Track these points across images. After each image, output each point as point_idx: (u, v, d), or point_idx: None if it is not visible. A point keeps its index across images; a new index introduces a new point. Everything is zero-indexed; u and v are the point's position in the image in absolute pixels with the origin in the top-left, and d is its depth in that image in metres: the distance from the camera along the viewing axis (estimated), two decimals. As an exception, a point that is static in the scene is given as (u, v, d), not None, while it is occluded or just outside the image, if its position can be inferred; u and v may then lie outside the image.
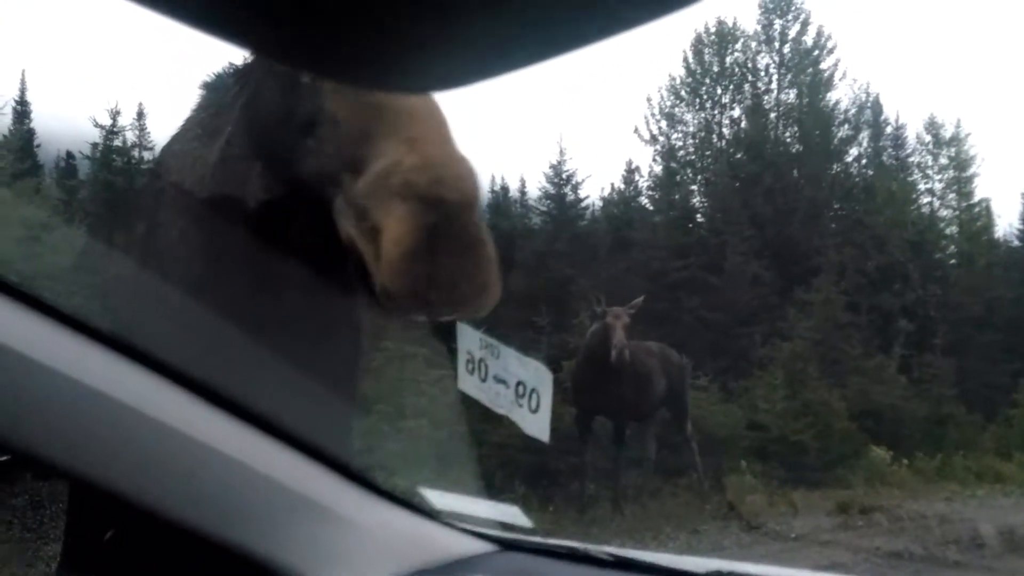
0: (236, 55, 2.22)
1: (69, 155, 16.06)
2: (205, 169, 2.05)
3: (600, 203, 23.83)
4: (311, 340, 2.05)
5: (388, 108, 1.64)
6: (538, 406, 1.65)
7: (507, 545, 1.67)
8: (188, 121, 2.29)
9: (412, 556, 1.56)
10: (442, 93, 1.58)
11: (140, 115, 15.11)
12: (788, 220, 24.45)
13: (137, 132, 14.91)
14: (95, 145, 14.44)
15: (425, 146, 1.58)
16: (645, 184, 25.91)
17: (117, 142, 14.44)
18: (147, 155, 14.36)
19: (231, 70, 2.18)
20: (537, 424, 1.63)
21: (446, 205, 1.55)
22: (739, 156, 26.70)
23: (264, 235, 1.97)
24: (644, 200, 25.32)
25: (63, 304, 1.28)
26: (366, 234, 1.60)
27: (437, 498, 1.67)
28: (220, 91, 2.17)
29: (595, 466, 11.78)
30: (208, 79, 2.24)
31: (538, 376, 1.62)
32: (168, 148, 2.31)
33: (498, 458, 10.50)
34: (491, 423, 9.86)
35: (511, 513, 1.82)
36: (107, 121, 14.40)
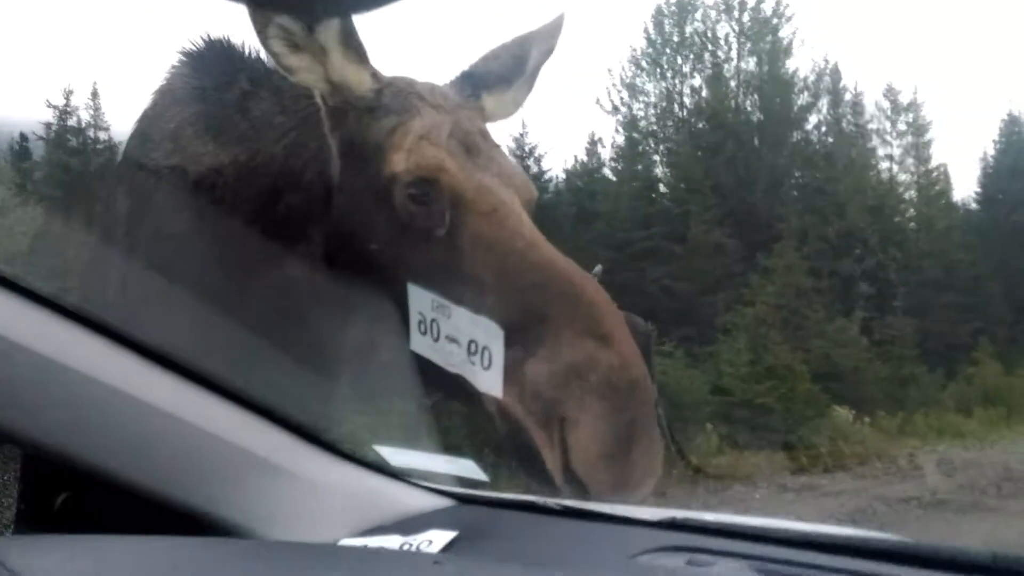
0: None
1: (23, 137, 15.79)
2: (226, 168, 2.02)
3: (563, 175, 23.89)
4: (296, 320, 2.07)
5: (559, 292, 1.71)
6: (490, 363, 1.67)
7: (464, 499, 1.69)
8: (174, 102, 2.20)
9: (368, 513, 1.58)
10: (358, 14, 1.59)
11: (94, 95, 14.91)
12: (750, 188, 24.63)
13: (92, 112, 14.70)
14: (48, 125, 14.24)
15: (620, 345, 1.66)
16: (608, 156, 26.00)
17: (71, 122, 14.26)
18: (102, 135, 14.19)
19: (257, 74, 2.11)
20: (490, 380, 1.65)
21: (642, 407, 1.65)
22: (701, 125, 26.80)
23: (282, 241, 1.99)
24: (607, 171, 25.41)
25: (13, 276, 1.28)
26: (547, 421, 1.66)
27: (393, 455, 1.69)
28: (231, 89, 2.11)
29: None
30: (202, 59, 2.19)
31: (489, 333, 1.64)
32: (152, 127, 2.22)
33: (467, 428, 10.55)
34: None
35: (466, 467, 1.84)
36: (60, 101, 14.21)
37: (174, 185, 2.09)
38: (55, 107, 14.16)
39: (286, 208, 1.98)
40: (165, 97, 2.23)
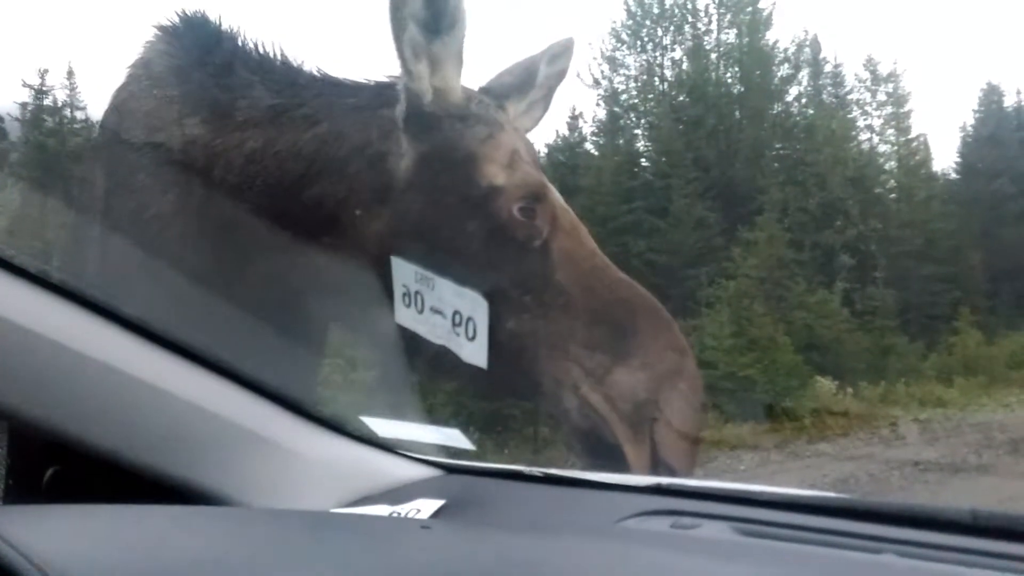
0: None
1: (-2, 117, 15.60)
2: (233, 152, 2.05)
3: (545, 150, 23.84)
4: (291, 300, 2.11)
5: (644, 308, 1.99)
6: (475, 334, 1.70)
7: (451, 469, 1.71)
8: (156, 82, 2.20)
9: (356, 484, 1.59)
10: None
11: (70, 74, 14.75)
12: (731, 161, 24.66)
13: (68, 91, 14.54)
14: (24, 105, 14.07)
15: (692, 358, 1.97)
16: (589, 130, 25.96)
17: (47, 101, 14.10)
18: (79, 115, 14.05)
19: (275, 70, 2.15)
20: (475, 351, 1.67)
21: (704, 403, 2.01)
22: (681, 98, 26.74)
23: (294, 226, 2.03)
24: (589, 146, 25.38)
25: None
26: (636, 419, 1.89)
27: (380, 426, 1.70)
28: (229, 75, 2.12)
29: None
30: (182, 39, 2.20)
31: (473, 305, 1.66)
32: (146, 109, 2.21)
33: (453, 406, 10.58)
34: (443, 371, 9.84)
35: (452, 436, 1.86)
36: (36, 81, 14.05)
37: (168, 165, 2.09)
38: (30, 87, 13.99)
39: (310, 196, 2.01)
40: (143, 77, 2.22)
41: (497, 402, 11.53)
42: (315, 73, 2.13)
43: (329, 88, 2.08)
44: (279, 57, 2.15)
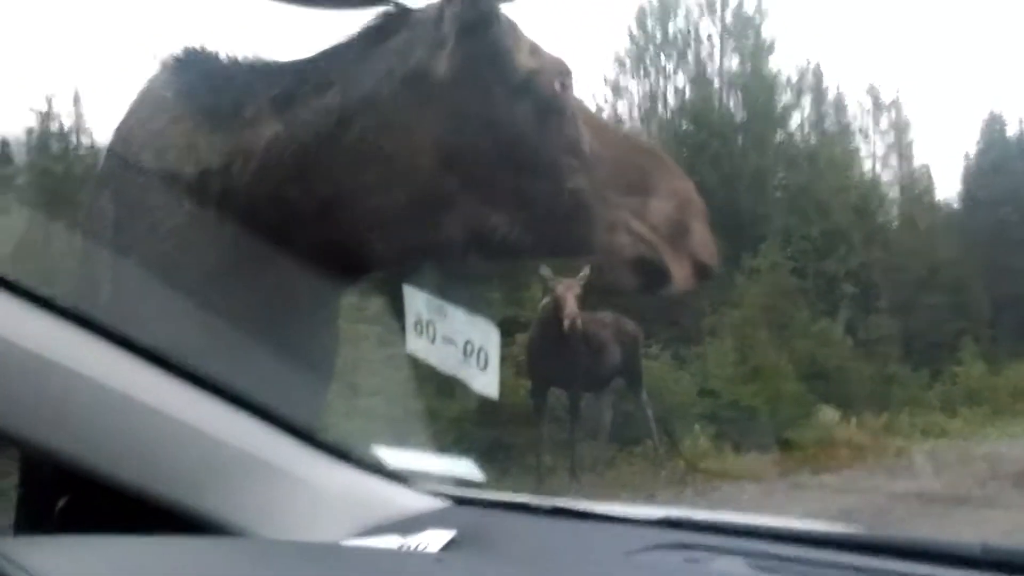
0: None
1: (4, 142, 15.65)
2: (251, 148, 2.09)
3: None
4: (296, 320, 2.15)
5: (650, 155, 2.41)
6: (487, 364, 1.72)
7: (460, 501, 1.71)
8: (185, 109, 2.26)
9: (365, 514, 1.59)
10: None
11: (76, 99, 14.82)
12: (734, 189, 24.64)
13: (74, 117, 14.61)
14: (31, 130, 14.12)
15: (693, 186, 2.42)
16: (592, 157, 25.96)
17: (54, 127, 14.16)
18: (85, 140, 14.11)
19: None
20: (486, 381, 1.70)
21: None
22: (684, 125, 26.80)
23: (283, 235, 2.07)
24: (592, 173, 25.36)
25: (12, 279, 1.28)
26: (674, 237, 2.27)
27: (390, 456, 1.71)
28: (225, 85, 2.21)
29: (551, 438, 11.88)
30: (184, 62, 2.27)
31: (485, 334, 1.69)
32: (153, 131, 2.27)
33: (455, 433, 10.55)
34: (446, 399, 9.89)
35: (464, 466, 1.86)
36: (42, 106, 14.10)
37: (180, 181, 2.12)
38: (38, 112, 14.06)
39: (351, 136, 2.08)
40: (149, 104, 2.27)
41: (499, 429, 11.51)
42: (308, 56, 2.23)
43: (326, 58, 2.19)
44: (273, 59, 2.24)
